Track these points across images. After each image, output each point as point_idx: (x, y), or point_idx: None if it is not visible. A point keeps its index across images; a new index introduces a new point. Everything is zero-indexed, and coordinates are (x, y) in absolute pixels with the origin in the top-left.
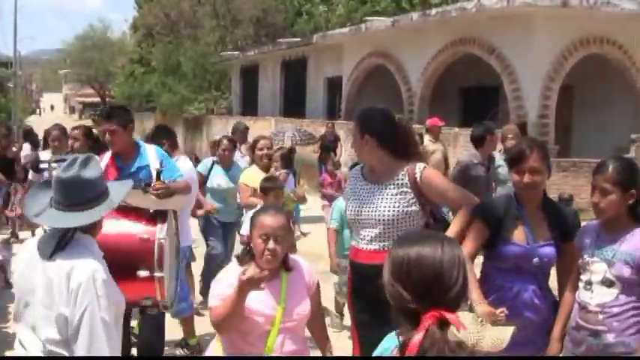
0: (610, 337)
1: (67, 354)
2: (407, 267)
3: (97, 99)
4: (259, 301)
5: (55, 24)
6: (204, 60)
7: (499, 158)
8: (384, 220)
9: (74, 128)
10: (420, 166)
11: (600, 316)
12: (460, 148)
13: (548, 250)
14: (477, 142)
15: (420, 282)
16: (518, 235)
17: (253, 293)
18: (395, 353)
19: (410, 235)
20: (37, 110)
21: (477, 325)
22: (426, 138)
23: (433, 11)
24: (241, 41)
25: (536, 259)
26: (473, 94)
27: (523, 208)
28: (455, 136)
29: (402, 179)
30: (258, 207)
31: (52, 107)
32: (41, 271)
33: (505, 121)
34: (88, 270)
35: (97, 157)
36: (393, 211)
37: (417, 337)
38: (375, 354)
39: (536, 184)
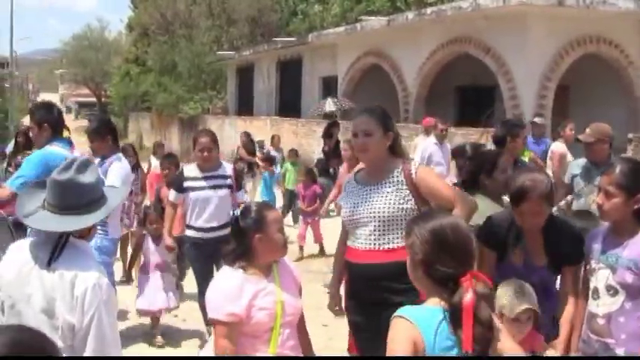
0: (620, 351)
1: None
2: (446, 235)
3: (93, 99)
4: (261, 298)
5: (50, 24)
6: (200, 60)
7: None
8: (379, 217)
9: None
10: (415, 163)
11: (608, 327)
12: None
13: (543, 274)
14: (498, 144)
15: (458, 248)
16: (515, 256)
17: (255, 292)
18: (443, 321)
19: (431, 212)
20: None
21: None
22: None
23: (428, 10)
24: (237, 41)
25: (535, 278)
26: (469, 93)
27: (524, 230)
28: (451, 136)
29: (398, 176)
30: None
31: None
32: (37, 278)
33: (500, 120)
34: (92, 277)
35: (95, 161)
36: (389, 207)
37: (470, 296)
38: (415, 330)
39: (535, 224)
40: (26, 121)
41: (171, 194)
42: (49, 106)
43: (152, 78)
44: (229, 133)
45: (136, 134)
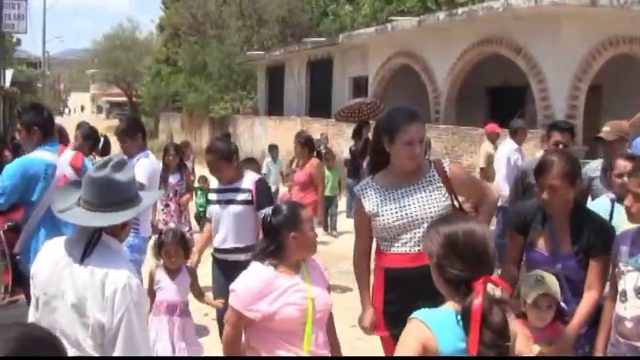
0: None
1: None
2: (461, 240)
3: (123, 99)
4: (292, 294)
5: (82, 24)
6: (230, 60)
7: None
8: (432, 216)
9: (78, 127)
10: (445, 159)
11: (636, 330)
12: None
13: (569, 263)
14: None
15: (472, 253)
16: (543, 243)
17: (285, 288)
18: (456, 323)
19: (450, 217)
20: (65, 110)
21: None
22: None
23: (459, 10)
24: (267, 41)
25: (559, 265)
26: (499, 94)
27: (551, 216)
28: (481, 137)
29: (433, 175)
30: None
31: (82, 108)
32: (70, 275)
33: (531, 121)
34: (123, 277)
35: (130, 161)
36: (437, 207)
37: (478, 301)
38: (428, 332)
39: (552, 201)
40: (58, 120)
41: (207, 210)
42: (38, 108)
43: (183, 78)
44: (259, 133)
45: (167, 134)
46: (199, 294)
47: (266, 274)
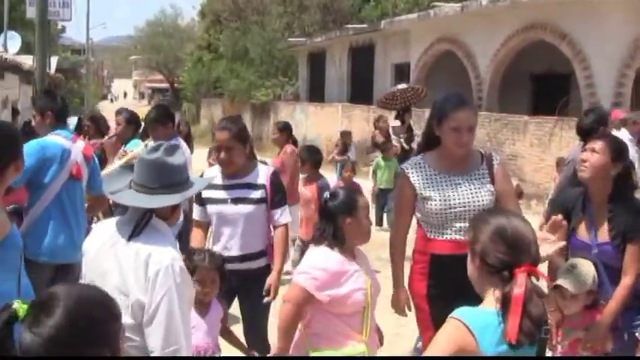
0: None
1: (139, 339)
2: (510, 231)
3: (165, 85)
4: (357, 279)
5: (124, 11)
6: (272, 46)
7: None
8: (480, 208)
9: (117, 113)
10: (495, 154)
11: None
12: (530, 137)
13: (606, 249)
14: (587, 134)
15: (518, 241)
16: (582, 229)
17: (352, 272)
18: (498, 325)
19: (494, 210)
20: (109, 96)
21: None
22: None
23: None
24: (308, 27)
25: (595, 251)
26: (543, 81)
27: (590, 203)
28: (524, 125)
29: (484, 167)
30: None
31: (125, 94)
32: (114, 255)
33: (576, 108)
34: (166, 258)
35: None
36: (488, 199)
37: (520, 288)
38: (467, 335)
39: (582, 178)
40: (101, 105)
41: (195, 210)
42: (52, 95)
43: (224, 64)
44: (300, 119)
45: (208, 120)
46: (235, 341)
47: (339, 258)
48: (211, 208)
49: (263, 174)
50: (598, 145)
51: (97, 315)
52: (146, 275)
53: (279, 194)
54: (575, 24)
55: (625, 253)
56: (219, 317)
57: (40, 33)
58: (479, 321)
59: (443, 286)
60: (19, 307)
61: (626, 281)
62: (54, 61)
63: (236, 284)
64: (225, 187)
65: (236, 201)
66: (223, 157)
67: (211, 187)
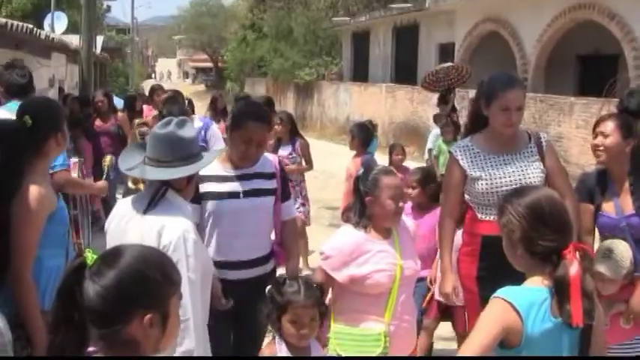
0: None
1: None
2: (547, 210)
3: (209, 64)
4: (382, 259)
5: None
6: (316, 26)
7: None
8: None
9: (152, 91)
10: (543, 134)
11: None
12: (575, 118)
13: (634, 220)
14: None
15: (558, 220)
16: (608, 206)
17: (375, 252)
18: (549, 300)
19: (522, 188)
20: (153, 75)
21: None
22: None
23: None
24: (352, 7)
25: (623, 223)
26: (590, 62)
27: (611, 180)
28: (570, 106)
29: (532, 145)
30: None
31: (170, 73)
32: (132, 227)
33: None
34: (179, 229)
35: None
36: (538, 177)
37: (575, 269)
38: (512, 314)
39: (600, 162)
40: (146, 84)
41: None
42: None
43: (268, 44)
44: (344, 99)
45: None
46: None
47: (356, 237)
48: (212, 206)
49: (270, 162)
50: (608, 127)
51: (153, 276)
52: (159, 246)
53: (286, 185)
54: (625, 3)
55: None
56: None
57: (86, 13)
58: (523, 299)
59: (494, 268)
60: (90, 256)
61: None
62: (99, 40)
63: (240, 295)
64: (231, 179)
65: (249, 194)
66: (253, 153)
67: (210, 179)
